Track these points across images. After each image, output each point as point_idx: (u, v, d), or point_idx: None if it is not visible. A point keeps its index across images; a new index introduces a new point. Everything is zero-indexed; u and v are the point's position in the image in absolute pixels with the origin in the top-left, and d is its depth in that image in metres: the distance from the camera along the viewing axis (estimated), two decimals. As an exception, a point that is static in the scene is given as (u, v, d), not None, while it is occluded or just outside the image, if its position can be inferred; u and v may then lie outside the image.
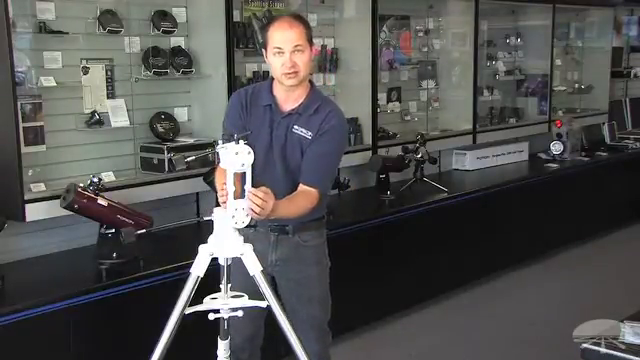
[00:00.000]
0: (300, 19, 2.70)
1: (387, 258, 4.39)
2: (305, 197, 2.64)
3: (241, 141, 2.23)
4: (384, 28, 5.20)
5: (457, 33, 5.84)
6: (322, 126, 2.67)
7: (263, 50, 2.71)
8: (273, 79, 2.74)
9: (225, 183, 2.26)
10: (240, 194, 2.26)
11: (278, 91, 2.72)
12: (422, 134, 5.06)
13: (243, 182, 2.27)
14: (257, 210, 2.30)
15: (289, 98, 2.71)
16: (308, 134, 2.67)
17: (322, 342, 2.86)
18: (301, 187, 2.66)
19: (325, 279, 2.87)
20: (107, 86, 3.72)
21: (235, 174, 2.24)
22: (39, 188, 3.36)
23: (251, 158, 2.23)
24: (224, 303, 2.32)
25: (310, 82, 2.77)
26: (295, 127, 2.68)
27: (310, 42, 2.66)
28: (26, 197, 3.22)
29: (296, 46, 2.59)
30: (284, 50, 2.59)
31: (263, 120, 2.71)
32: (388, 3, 4.99)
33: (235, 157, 2.21)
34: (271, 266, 2.77)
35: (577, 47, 7.36)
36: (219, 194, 2.40)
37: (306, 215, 2.69)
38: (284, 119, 2.70)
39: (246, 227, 2.31)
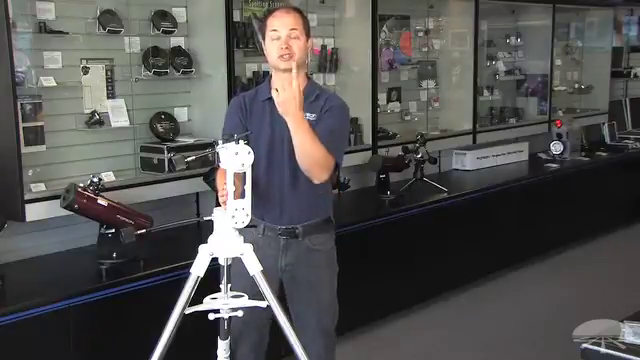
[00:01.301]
0: (297, 9, 2.77)
1: (387, 258, 4.39)
2: (326, 153, 2.60)
3: (241, 141, 2.23)
4: (384, 28, 5.20)
5: (457, 33, 5.84)
6: (325, 107, 2.72)
7: (262, 42, 2.76)
8: (271, 76, 2.79)
9: (226, 183, 2.26)
10: (240, 194, 2.26)
11: (278, 82, 2.73)
12: (422, 134, 5.06)
13: (243, 182, 2.27)
14: (281, 88, 2.45)
15: None
16: (312, 116, 2.70)
17: (328, 347, 2.86)
18: None
19: (334, 284, 2.86)
20: (107, 86, 3.72)
21: (235, 174, 2.24)
22: (39, 188, 3.35)
23: (251, 158, 2.23)
24: (224, 303, 2.32)
25: (307, 75, 2.83)
26: None
27: (307, 33, 2.72)
28: (26, 197, 3.21)
29: (292, 29, 2.65)
30: (280, 33, 2.65)
31: (263, 114, 2.74)
32: (388, 3, 4.99)
33: (235, 157, 2.21)
34: (281, 271, 2.77)
35: (577, 47, 7.36)
36: (219, 194, 2.40)
37: (315, 213, 2.76)
38: None
39: (246, 227, 2.32)
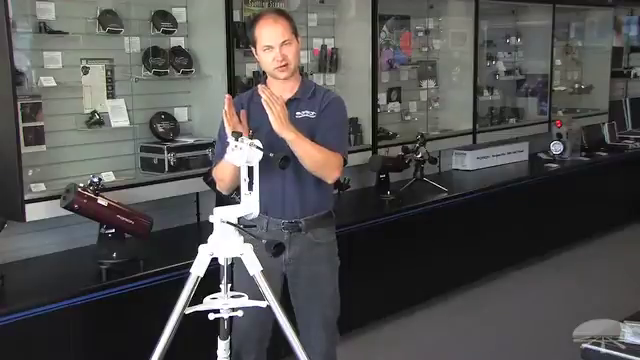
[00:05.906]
0: (282, 13, 2.78)
1: (387, 258, 4.39)
2: (330, 153, 2.69)
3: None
4: (384, 28, 5.20)
5: (457, 33, 5.84)
6: (323, 102, 2.77)
7: (252, 47, 2.78)
8: (266, 77, 2.81)
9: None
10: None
11: (273, 86, 2.77)
12: (422, 134, 5.06)
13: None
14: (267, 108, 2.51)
15: (285, 90, 2.77)
16: (312, 114, 2.75)
17: (331, 341, 2.87)
18: None
19: (336, 277, 2.88)
20: (107, 86, 3.72)
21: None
22: (39, 188, 3.35)
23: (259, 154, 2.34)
24: (224, 303, 2.32)
25: (300, 74, 2.86)
26: (297, 113, 2.75)
27: (296, 34, 2.74)
28: (26, 197, 3.21)
29: (284, 41, 2.68)
30: (273, 46, 2.67)
31: (262, 114, 2.73)
32: (388, 3, 4.99)
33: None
34: (285, 264, 2.78)
35: (577, 47, 7.37)
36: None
37: (317, 207, 2.79)
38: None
39: (246, 227, 2.32)
